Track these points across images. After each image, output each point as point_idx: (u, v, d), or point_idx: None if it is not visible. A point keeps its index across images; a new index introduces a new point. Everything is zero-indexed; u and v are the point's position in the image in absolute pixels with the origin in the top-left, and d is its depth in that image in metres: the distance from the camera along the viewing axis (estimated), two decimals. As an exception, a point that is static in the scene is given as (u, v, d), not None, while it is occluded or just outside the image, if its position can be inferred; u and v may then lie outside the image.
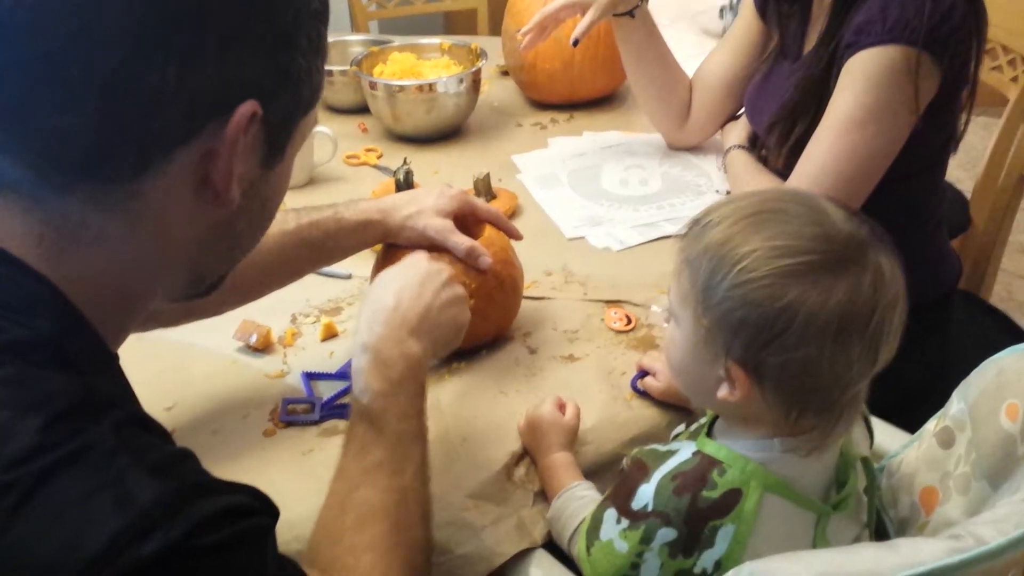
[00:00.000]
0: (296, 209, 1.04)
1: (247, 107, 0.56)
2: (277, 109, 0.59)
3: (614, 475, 0.94)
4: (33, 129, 0.52)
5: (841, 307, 0.71)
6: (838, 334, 0.71)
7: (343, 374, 1.07)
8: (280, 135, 0.61)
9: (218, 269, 0.67)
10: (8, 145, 0.53)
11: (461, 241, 1.03)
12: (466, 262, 1.03)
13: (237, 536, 0.53)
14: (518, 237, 1.12)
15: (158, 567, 0.48)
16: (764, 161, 1.36)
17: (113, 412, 0.52)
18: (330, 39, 1.83)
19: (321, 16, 0.61)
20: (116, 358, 0.62)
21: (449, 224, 1.04)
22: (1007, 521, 0.66)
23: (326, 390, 1.05)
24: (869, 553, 0.66)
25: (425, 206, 1.05)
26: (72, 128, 0.52)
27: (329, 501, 0.77)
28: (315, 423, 1.00)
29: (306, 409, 1.02)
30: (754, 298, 0.71)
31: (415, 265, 0.90)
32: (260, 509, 0.57)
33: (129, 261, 0.58)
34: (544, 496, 0.93)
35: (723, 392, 0.75)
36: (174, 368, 1.08)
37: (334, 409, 1.02)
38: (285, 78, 0.59)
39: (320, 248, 1.03)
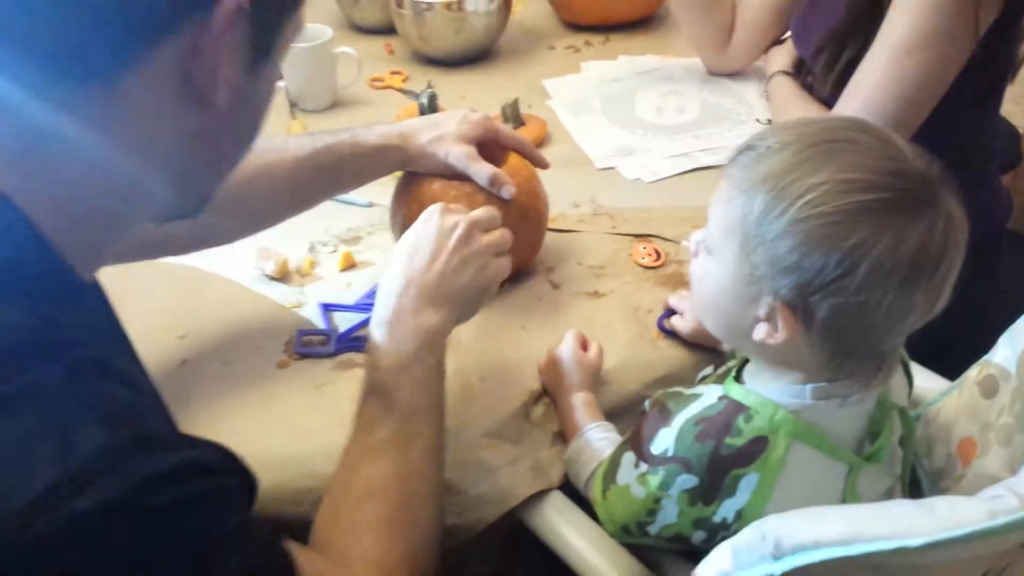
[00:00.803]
0: (311, 133, 1.00)
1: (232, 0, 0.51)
2: (263, 6, 0.54)
3: (636, 417, 0.91)
4: (1, 21, 0.48)
5: (913, 252, 0.65)
6: (905, 281, 0.66)
7: (361, 306, 1.04)
8: (266, 35, 0.57)
9: (203, 185, 0.62)
10: None
11: (483, 169, 0.99)
12: (488, 191, 0.99)
13: (189, 495, 0.48)
14: (544, 165, 1.07)
15: (95, 523, 0.44)
16: (809, 88, 1.29)
17: (72, 352, 0.48)
18: (357, -46, 1.76)
19: None
20: (91, 289, 0.57)
21: (471, 151, 1.00)
22: (1054, 480, 0.62)
23: (343, 322, 1.02)
24: (902, 511, 0.62)
25: (447, 131, 1.00)
26: (42, 17, 0.48)
27: (335, 477, 0.74)
28: (330, 355, 0.98)
29: (322, 341, 0.99)
30: (818, 236, 0.65)
31: (427, 224, 0.84)
32: (226, 468, 0.53)
33: (105, 173, 0.53)
34: (562, 437, 0.90)
35: (761, 334, 0.70)
36: (188, 295, 1.06)
37: (350, 342, 0.99)
38: None
39: (336, 174, 0.99)
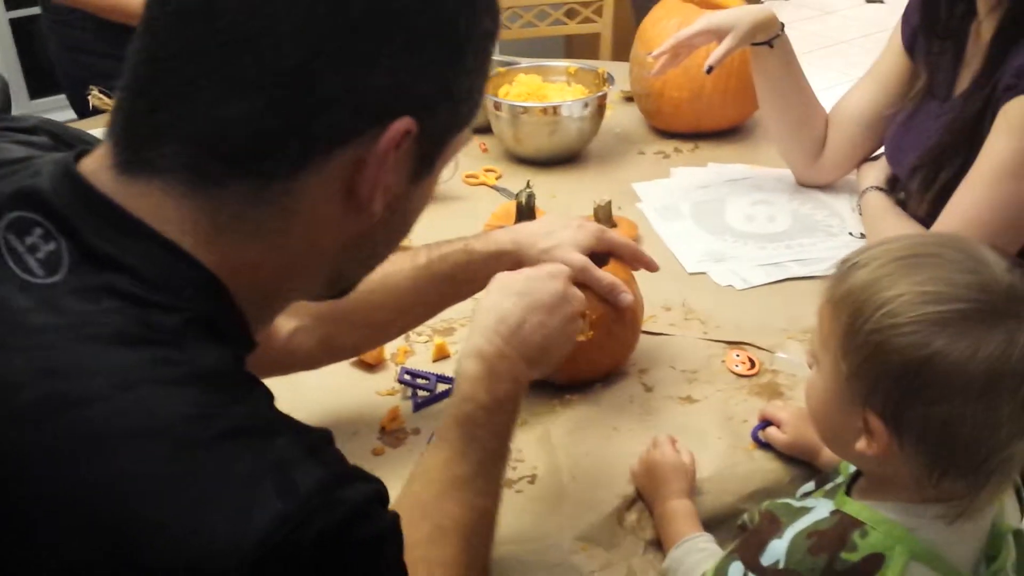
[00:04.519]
0: (427, 244, 1.00)
1: (402, 123, 0.56)
2: (433, 125, 0.59)
3: (730, 529, 0.89)
4: (198, 116, 0.54)
5: (990, 363, 0.66)
6: (984, 392, 0.66)
7: (441, 378, 1.07)
8: (432, 151, 0.61)
9: (353, 275, 0.68)
10: (173, 129, 0.54)
11: (602, 277, 1.00)
12: (604, 297, 1.00)
13: (384, 528, 0.54)
14: (654, 268, 1.07)
15: (315, 552, 0.49)
16: (903, 206, 1.29)
17: (262, 387, 0.55)
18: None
19: (491, 36, 0.61)
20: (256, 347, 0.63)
21: (587, 260, 1.00)
22: None
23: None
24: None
25: (563, 240, 1.00)
26: (237, 119, 0.53)
27: (408, 501, 0.74)
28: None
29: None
30: (896, 345, 0.67)
31: (549, 281, 0.85)
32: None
33: (279, 259, 0.59)
34: (656, 545, 0.88)
35: (861, 444, 0.71)
36: (286, 380, 1.07)
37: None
38: (448, 95, 0.59)
39: (451, 281, 0.99)
